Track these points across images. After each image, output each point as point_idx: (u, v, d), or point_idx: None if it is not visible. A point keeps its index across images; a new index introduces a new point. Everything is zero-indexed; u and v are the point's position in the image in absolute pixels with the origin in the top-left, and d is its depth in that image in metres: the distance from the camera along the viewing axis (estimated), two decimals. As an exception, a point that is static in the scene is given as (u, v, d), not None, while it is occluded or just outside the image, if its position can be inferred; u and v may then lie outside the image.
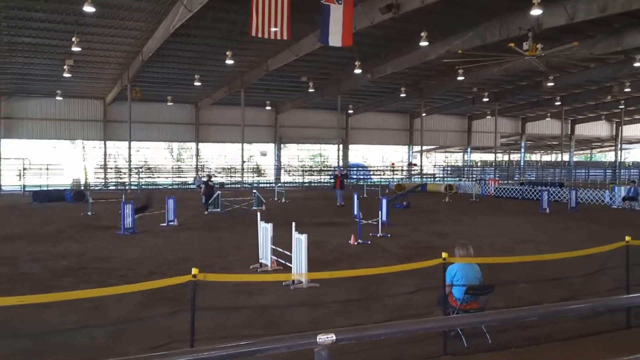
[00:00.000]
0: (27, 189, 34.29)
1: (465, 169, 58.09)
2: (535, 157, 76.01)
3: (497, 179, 45.82)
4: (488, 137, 56.52)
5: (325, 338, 2.01)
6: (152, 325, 6.91)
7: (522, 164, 61.12)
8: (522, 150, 61.25)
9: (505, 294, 7.78)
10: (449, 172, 58.66)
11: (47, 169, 39.04)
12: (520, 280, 8.97)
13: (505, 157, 67.00)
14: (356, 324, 6.83)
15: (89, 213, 20.81)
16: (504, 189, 32.45)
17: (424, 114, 47.56)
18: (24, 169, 37.12)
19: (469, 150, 60.01)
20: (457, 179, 50.34)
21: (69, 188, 31.68)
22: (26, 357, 5.92)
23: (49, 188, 32.79)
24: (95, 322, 7.01)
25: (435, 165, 61.28)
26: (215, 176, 23.27)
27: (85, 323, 6.94)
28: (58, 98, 38.82)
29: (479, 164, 62.98)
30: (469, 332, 6.24)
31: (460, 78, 33.45)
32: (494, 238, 14.75)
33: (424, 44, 24.11)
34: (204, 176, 25.38)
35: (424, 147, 53.18)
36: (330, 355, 2.04)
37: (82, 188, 32.82)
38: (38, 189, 32.23)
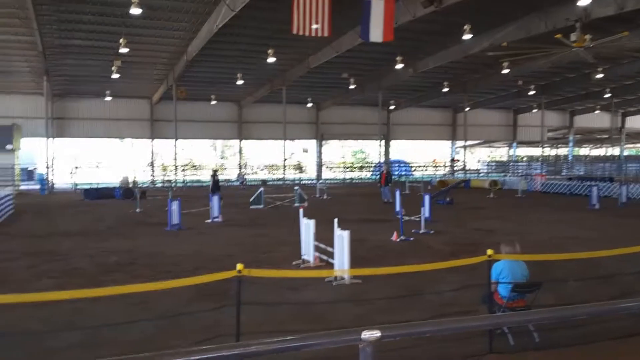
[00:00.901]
0: (78, 186, 35.57)
1: (511, 164, 56.80)
2: (583, 151, 73.60)
3: (544, 174, 44.61)
4: (534, 131, 55.07)
5: (370, 334, 2.02)
6: (198, 320, 7.07)
7: (570, 158, 59.33)
8: (570, 144, 59.44)
9: (554, 291, 7.59)
10: (493, 167, 57.51)
11: (98, 166, 40.37)
12: (569, 278, 8.74)
13: (553, 152, 65.14)
14: (400, 320, 6.81)
15: (137, 210, 21.41)
16: (552, 184, 31.60)
17: (467, 108, 46.74)
18: (76, 167, 38.47)
19: (514, 144, 58.65)
20: (502, 174, 49.30)
21: (118, 185, 32.66)
22: (80, 350, 6.16)
23: (99, 186, 33.87)
24: (144, 316, 7.22)
25: (479, 161, 60.18)
26: (218, 171, 23.90)
27: (135, 317, 7.16)
28: (107, 98, 40.07)
29: (524, 158, 61.48)
30: (516, 330, 6.14)
31: (505, 71, 32.74)
32: (541, 235, 14.40)
33: (467, 37, 23.71)
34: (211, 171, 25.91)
35: (468, 142, 52.26)
36: (375, 352, 2.05)
37: (131, 186, 33.77)
38: (89, 186, 33.35)
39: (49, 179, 35.73)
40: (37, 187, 35.55)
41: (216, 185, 21.94)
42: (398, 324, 2.33)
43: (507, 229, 15.44)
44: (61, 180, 38.01)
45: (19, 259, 11.58)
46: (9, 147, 33.26)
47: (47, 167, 36.03)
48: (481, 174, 52.17)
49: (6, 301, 7.16)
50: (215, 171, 23.51)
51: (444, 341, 5.87)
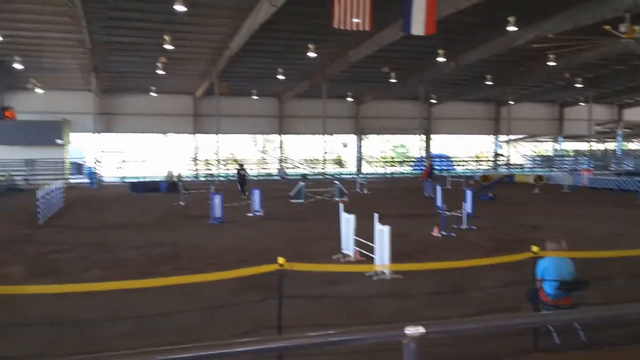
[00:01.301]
0: (125, 180, 36.60)
1: (556, 158, 55.25)
2: (633, 145, 70.80)
3: (591, 169, 43.23)
4: (581, 125, 53.33)
5: (414, 330, 2.02)
6: (241, 312, 7.21)
7: (618, 153, 57.22)
8: (619, 138, 57.27)
9: (601, 290, 7.40)
10: (538, 162, 56.06)
11: (143, 161, 41.41)
12: (617, 276, 8.49)
13: (600, 146, 62.94)
14: (442, 317, 6.78)
15: (181, 203, 21.89)
16: (599, 179, 30.60)
17: (511, 102, 45.72)
18: (123, 161, 39.57)
19: (560, 139, 56.99)
20: (548, 169, 48.02)
21: (163, 179, 33.43)
22: (129, 339, 6.38)
23: (145, 179, 34.73)
24: (190, 307, 7.40)
25: (523, 155, 58.74)
26: (244, 166, 24.53)
27: (180, 307, 7.35)
28: (152, 94, 41.02)
29: (571, 153, 59.68)
30: (561, 329, 6.02)
31: (551, 64, 31.86)
32: (589, 231, 14.01)
33: (512, 29, 23.20)
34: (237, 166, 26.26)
35: (512, 137, 51.13)
36: (418, 348, 2.06)
37: (175, 179, 34.51)
38: (135, 180, 34.25)
39: (98, 172, 36.90)
40: (86, 180, 36.77)
41: (243, 179, 22.37)
42: (442, 320, 2.34)
43: (553, 225, 15.08)
44: (109, 174, 39.16)
45: (70, 250, 12.04)
46: (59, 141, 34.45)
47: (96, 161, 37.19)
48: (525, 169, 50.95)
49: (59, 291, 7.48)
50: (241, 166, 23.85)
51: (488, 338, 5.82)
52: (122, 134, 43.34)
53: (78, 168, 39.76)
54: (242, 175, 22.76)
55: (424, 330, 2.03)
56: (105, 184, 35.88)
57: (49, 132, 34.37)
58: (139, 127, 43.11)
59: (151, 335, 6.50)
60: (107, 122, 41.41)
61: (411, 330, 2.02)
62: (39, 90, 36.39)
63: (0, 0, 22.28)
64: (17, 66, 30.53)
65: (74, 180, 37.11)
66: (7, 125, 33.89)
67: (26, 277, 9.49)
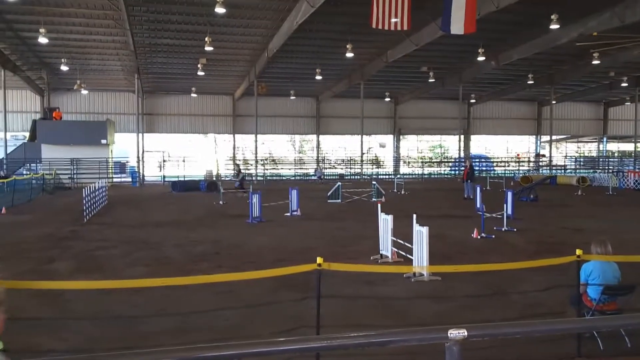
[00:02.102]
0: (166, 179, 37.37)
1: (601, 160, 53.66)
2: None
3: (637, 170, 41.81)
4: (627, 125, 51.69)
5: (457, 333, 2.02)
6: (280, 310, 7.29)
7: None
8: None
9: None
10: (581, 163, 54.56)
11: (184, 160, 42.20)
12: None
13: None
14: (483, 320, 6.70)
15: (221, 202, 22.23)
16: (647, 181, 29.56)
17: (553, 102, 44.60)
18: (164, 160, 40.43)
19: (604, 139, 55.35)
20: (591, 170, 46.68)
21: (203, 178, 34.00)
22: (171, 335, 6.53)
23: (185, 178, 35.39)
24: (229, 305, 7.53)
25: (566, 156, 57.26)
26: (241, 165, 26.12)
27: (220, 305, 7.49)
28: (193, 95, 41.81)
29: (616, 154, 57.86)
30: (605, 334, 5.87)
31: (595, 62, 30.95)
32: (635, 234, 13.57)
33: (554, 27, 22.63)
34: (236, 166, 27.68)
35: (554, 137, 49.85)
36: (461, 351, 2.06)
37: (214, 179, 35.06)
38: (176, 179, 34.93)
39: (140, 172, 37.81)
40: (129, 179, 37.74)
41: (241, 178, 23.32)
42: (485, 323, 2.33)
43: (597, 228, 14.66)
44: (150, 173, 40.07)
45: (114, 247, 12.39)
46: (103, 141, 35.44)
47: (138, 161, 38.13)
48: (568, 170, 49.65)
49: (104, 287, 7.74)
50: (238, 166, 24.45)
51: (530, 343, 5.72)
52: (163, 134, 44.30)
53: (121, 167, 40.82)
54: (237, 173, 23.88)
55: (467, 334, 2.03)
56: (147, 183, 36.73)
57: (94, 132, 35.40)
58: (179, 128, 44.00)
59: (192, 332, 6.64)
60: (149, 122, 42.40)
61: (454, 333, 2.01)
62: (84, 92, 37.55)
63: (49, 4, 23.10)
64: (64, 68, 31.57)
65: (117, 179, 38.12)
66: (54, 125, 35.04)
67: (73, 273, 9.82)
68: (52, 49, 29.31)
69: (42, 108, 38.66)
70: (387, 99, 46.49)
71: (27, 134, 37.11)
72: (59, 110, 36.75)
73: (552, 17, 21.81)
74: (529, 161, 52.08)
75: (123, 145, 41.16)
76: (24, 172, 32.90)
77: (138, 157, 38.20)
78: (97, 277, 9.24)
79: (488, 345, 5.55)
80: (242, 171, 24.75)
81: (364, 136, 42.38)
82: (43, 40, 24.71)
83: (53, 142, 34.37)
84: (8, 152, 35.24)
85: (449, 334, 2.02)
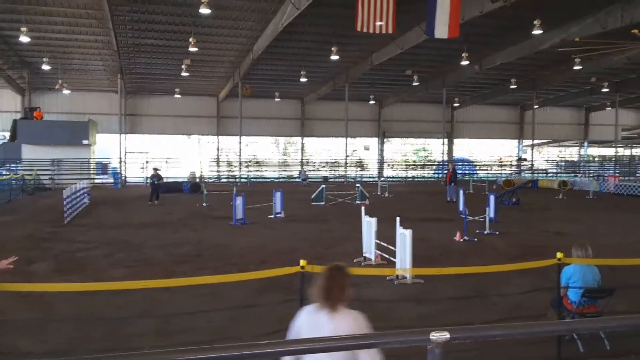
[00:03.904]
0: (149, 180, 37.00)
1: (582, 164, 54.39)
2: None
3: (617, 175, 42.46)
4: (607, 130, 52.43)
5: (439, 336, 2.03)
6: (263, 312, 7.27)
7: (647, 159, 56.10)
8: (647, 144, 56.17)
9: (627, 298, 7.29)
10: (563, 167, 55.24)
11: (166, 162, 41.87)
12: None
13: (627, 152, 61.78)
14: (465, 322, 6.75)
15: (204, 204, 22.10)
16: (626, 185, 30.04)
17: (536, 106, 45.12)
18: (146, 162, 40.07)
19: (585, 144, 56.10)
20: (572, 174, 47.29)
21: (186, 180, 33.76)
22: (154, 337, 6.48)
23: (168, 180, 35.11)
24: (212, 307, 7.49)
25: (547, 160, 57.95)
26: (159, 170, 24.94)
27: (203, 307, 7.44)
28: (176, 96, 41.51)
29: (596, 159, 58.70)
30: (585, 337, 5.95)
31: (577, 67, 31.39)
32: (615, 238, 13.78)
33: (537, 32, 22.91)
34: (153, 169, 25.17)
35: (536, 141, 50.45)
36: (443, 353, 2.07)
37: (198, 180, 34.84)
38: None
39: (122, 173, 37.43)
40: (111, 180, 37.32)
41: (155, 185, 23.08)
42: (467, 326, 2.35)
43: (578, 231, 14.87)
44: (133, 174, 39.68)
45: (96, 249, 12.26)
46: (85, 142, 35.03)
47: (120, 162, 37.74)
48: (550, 174, 50.26)
49: (86, 289, 7.65)
50: (155, 170, 24.12)
51: (511, 345, 5.77)
52: (146, 135, 43.90)
53: (103, 168, 40.37)
54: (156, 179, 23.32)
55: (449, 336, 2.04)
56: (129, 184, 36.37)
57: (76, 133, 34.97)
58: (163, 129, 43.62)
59: (176, 334, 6.59)
60: (132, 123, 41.99)
61: (436, 336, 2.02)
62: (66, 91, 37.06)
63: (30, 3, 22.80)
64: (45, 67, 31.15)
65: (99, 180, 37.70)
66: (35, 125, 34.55)
67: (53, 274, 9.70)
68: (34, 48, 28.90)
69: (23, 108, 38.08)
70: (372, 102, 46.65)
71: (7, 134, 36.52)
72: (40, 110, 36.23)
73: (535, 22, 22.07)
74: (511, 165, 52.60)
75: (105, 146, 40.69)
76: (4, 173, 32.36)
77: (120, 158, 37.82)
78: (78, 279, 9.14)
79: (470, 348, 5.59)
80: (157, 177, 23.65)
81: (349, 139, 42.46)
82: (24, 39, 24.37)
83: (34, 142, 33.90)
84: (-13, 151, 34.64)
85: (431, 337, 2.03)
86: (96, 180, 36.78)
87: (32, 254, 11.54)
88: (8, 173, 31.52)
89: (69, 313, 7.24)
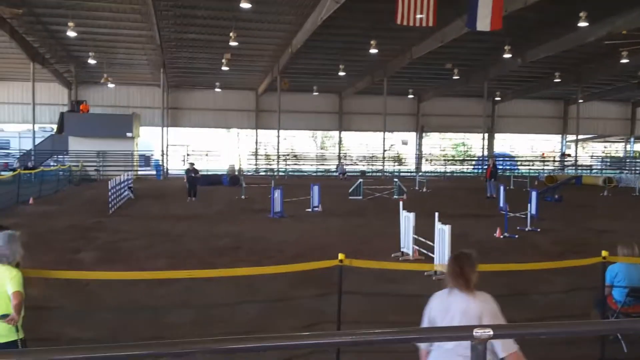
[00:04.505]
0: (185, 175, 37.66)
1: (628, 160, 52.61)
2: None
3: (666, 172, 40.90)
4: (656, 126, 50.60)
5: (482, 332, 2.02)
6: (301, 305, 7.34)
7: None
8: (698, 139, 53.91)
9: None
10: (608, 163, 53.56)
11: (206, 155, 42.56)
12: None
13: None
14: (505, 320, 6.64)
15: (243, 197, 22.38)
16: (675, 183, 28.89)
17: (580, 100, 43.83)
18: (187, 154, 40.81)
19: (632, 140, 54.21)
20: (618, 171, 45.80)
21: (225, 173, 34.24)
22: (194, 326, 6.63)
23: (208, 173, 35.68)
24: (250, 299, 7.60)
25: (592, 156, 56.29)
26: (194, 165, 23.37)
27: (241, 299, 7.57)
28: (216, 90, 42.09)
29: (644, 155, 56.68)
30: (631, 338, 5.79)
31: (624, 61, 30.33)
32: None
33: (582, 24, 22.25)
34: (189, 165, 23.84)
35: (580, 136, 49.06)
36: (485, 350, 2.06)
37: (237, 173, 35.30)
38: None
39: (164, 165, 38.24)
40: (153, 172, 38.21)
41: (193, 181, 21.74)
42: (510, 323, 2.33)
43: (623, 229, 14.39)
44: (174, 166, 40.50)
45: (138, 239, 12.59)
46: (129, 134, 35.92)
47: (163, 154, 38.56)
48: (594, 171, 48.82)
49: (129, 277, 7.87)
50: (192, 165, 23.00)
51: (553, 344, 5.67)
52: (187, 128, 44.71)
53: (146, 160, 41.34)
54: (193, 175, 21.88)
55: (492, 333, 2.03)
56: (171, 176, 37.14)
57: (120, 125, 35.90)
58: (203, 122, 44.35)
59: (215, 324, 6.72)
60: (173, 116, 42.81)
61: (479, 332, 2.01)
62: (110, 85, 38.07)
63: (78, -1, 23.49)
64: (91, 61, 32.04)
65: (142, 172, 38.62)
66: (81, 117, 35.63)
67: (98, 263, 10.01)
68: (80, 42, 29.75)
69: (70, 101, 39.31)
70: (411, 96, 46.20)
71: (55, 126, 37.79)
72: (86, 103, 37.34)
73: (581, 14, 21.43)
74: (554, 161, 51.34)
75: (147, 139, 41.65)
76: (52, 164, 33.53)
77: (162, 150, 38.62)
78: (121, 268, 9.40)
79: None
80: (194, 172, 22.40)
81: (387, 133, 42.21)
82: (71, 34, 25.14)
83: (80, 134, 34.95)
84: (36, 143, 35.92)
85: (474, 333, 2.02)
86: (139, 172, 37.69)
87: (78, 243, 11.93)
88: (55, 164, 32.64)
89: (113, 301, 7.47)
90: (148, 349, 2.18)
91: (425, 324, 3.74)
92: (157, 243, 12.12)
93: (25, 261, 4.46)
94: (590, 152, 56.66)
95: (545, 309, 7.40)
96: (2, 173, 26.67)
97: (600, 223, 15.86)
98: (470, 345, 2.06)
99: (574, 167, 47.35)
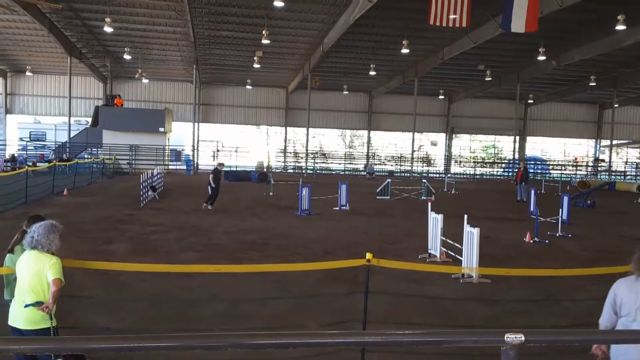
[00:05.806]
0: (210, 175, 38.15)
1: (665, 167, 51.14)
2: None
3: None
4: (694, 132, 49.09)
5: (514, 337, 2.02)
6: (328, 303, 7.37)
7: None
8: None
9: None
10: (643, 169, 52.15)
11: (236, 151, 42.97)
12: None
13: None
14: (533, 326, 6.58)
15: (271, 193, 22.55)
16: None
17: (616, 105, 42.81)
18: (217, 150, 41.30)
19: (670, 146, 52.69)
20: (654, 178, 44.57)
21: (254, 169, 34.52)
22: (223, 320, 6.73)
23: (237, 169, 36.04)
24: (278, 294, 7.68)
25: (626, 162, 54.89)
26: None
27: (269, 294, 7.65)
28: (247, 87, 42.48)
29: (682, 161, 54.99)
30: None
31: (664, 65, 29.55)
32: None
33: (620, 27, 21.76)
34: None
35: (615, 142, 47.90)
36: (517, 356, 2.06)
37: (265, 170, 35.55)
38: (228, 169, 35.62)
39: (194, 160, 38.76)
40: (184, 167, 38.75)
41: (215, 184, 17.47)
42: (543, 329, 2.32)
43: (658, 238, 14.05)
44: (204, 162, 41.02)
45: (168, 232, 12.81)
46: (161, 129, 36.51)
47: (193, 149, 39.09)
48: (629, 177, 47.60)
49: (161, 270, 8.03)
50: (221, 165, 19.24)
51: (582, 352, 5.58)
52: (217, 124, 45.24)
53: (177, 155, 41.96)
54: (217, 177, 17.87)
55: (524, 338, 2.03)
56: (201, 171, 37.62)
57: (153, 120, 36.52)
58: (233, 118, 44.83)
59: (242, 318, 6.81)
60: (205, 112, 43.37)
61: (511, 337, 2.01)
62: (144, 80, 38.74)
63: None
64: (126, 57, 32.67)
65: (173, 166, 39.21)
66: (115, 111, 36.36)
67: (129, 255, 10.23)
68: (116, 38, 30.39)
69: (105, 95, 40.18)
70: (441, 97, 45.82)
71: (90, 120, 38.63)
72: (120, 97, 38.08)
73: (619, 17, 20.96)
74: (587, 165, 50.28)
75: (179, 134, 42.26)
76: (86, 156, 34.30)
77: (193, 146, 39.14)
78: (152, 260, 9.59)
79: (533, 352, 5.46)
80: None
81: (416, 133, 41.95)
82: (108, 29, 25.69)
83: (114, 128, 35.66)
84: (71, 136, 36.79)
85: (506, 338, 2.02)
86: (170, 167, 38.27)
87: (111, 234, 12.21)
88: (89, 157, 33.37)
89: (144, 292, 7.64)
90: (181, 340, 2.26)
91: (608, 309, 4.15)
92: (187, 236, 12.31)
93: (59, 252, 4.57)
94: (624, 158, 55.24)
95: (576, 317, 7.28)
96: (39, 164, 27.41)
97: (633, 230, 15.48)
98: (501, 351, 2.06)
99: (607, 173, 46.28)
